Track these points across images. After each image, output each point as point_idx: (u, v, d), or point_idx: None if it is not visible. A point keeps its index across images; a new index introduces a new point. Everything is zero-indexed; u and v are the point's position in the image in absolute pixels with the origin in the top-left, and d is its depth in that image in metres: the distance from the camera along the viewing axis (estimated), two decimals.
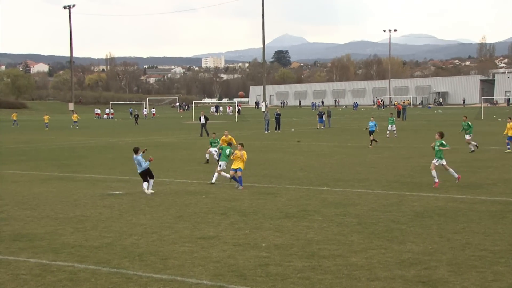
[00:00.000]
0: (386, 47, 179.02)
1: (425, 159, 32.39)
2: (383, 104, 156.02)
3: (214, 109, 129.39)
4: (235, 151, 23.80)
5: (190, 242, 14.73)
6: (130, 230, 16.22)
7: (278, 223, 16.79)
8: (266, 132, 60.08)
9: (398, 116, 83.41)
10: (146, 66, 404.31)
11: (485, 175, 26.19)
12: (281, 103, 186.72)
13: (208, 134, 51.66)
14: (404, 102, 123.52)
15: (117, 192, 22.91)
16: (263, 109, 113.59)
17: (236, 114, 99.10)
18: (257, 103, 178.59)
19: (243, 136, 54.55)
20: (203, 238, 15.12)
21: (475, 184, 23.51)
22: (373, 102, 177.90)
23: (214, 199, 21.12)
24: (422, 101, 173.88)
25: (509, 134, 35.48)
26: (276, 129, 61.39)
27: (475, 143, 36.71)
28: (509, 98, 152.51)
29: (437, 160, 23.17)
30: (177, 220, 17.48)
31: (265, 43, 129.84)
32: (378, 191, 22.09)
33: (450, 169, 23.39)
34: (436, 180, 22.78)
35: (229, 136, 31.88)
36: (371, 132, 41.15)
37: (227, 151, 24.96)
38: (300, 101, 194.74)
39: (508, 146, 35.44)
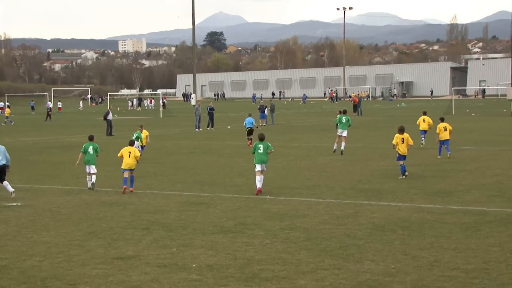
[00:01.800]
0: (340, 28, 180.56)
1: (387, 161, 32.77)
2: (337, 96, 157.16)
3: (130, 103, 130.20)
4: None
5: (104, 264, 14.62)
6: (31, 250, 16.00)
7: (212, 239, 16.80)
8: (197, 130, 60.07)
9: (355, 110, 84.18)
10: (50, 50, 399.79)
11: (456, 180, 26.63)
12: (215, 95, 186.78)
13: (111, 134, 53.48)
14: (359, 94, 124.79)
15: (14, 204, 22.58)
16: (193, 102, 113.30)
17: (161, 108, 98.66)
18: (185, 95, 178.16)
19: (169, 135, 54.38)
20: (120, 259, 15.03)
21: (444, 191, 23.89)
22: (325, 94, 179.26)
23: (134, 211, 21.00)
24: (382, 93, 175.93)
25: (441, 138, 33.50)
26: (208, 127, 61.41)
27: (342, 148, 36.17)
28: (484, 89, 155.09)
29: None
30: (89, 237, 17.32)
31: (196, 23, 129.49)
32: (331, 200, 22.28)
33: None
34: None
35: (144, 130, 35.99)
36: (249, 131, 41.95)
37: (90, 149, 25.32)
38: (223, 93, 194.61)
39: (440, 151, 33.90)
